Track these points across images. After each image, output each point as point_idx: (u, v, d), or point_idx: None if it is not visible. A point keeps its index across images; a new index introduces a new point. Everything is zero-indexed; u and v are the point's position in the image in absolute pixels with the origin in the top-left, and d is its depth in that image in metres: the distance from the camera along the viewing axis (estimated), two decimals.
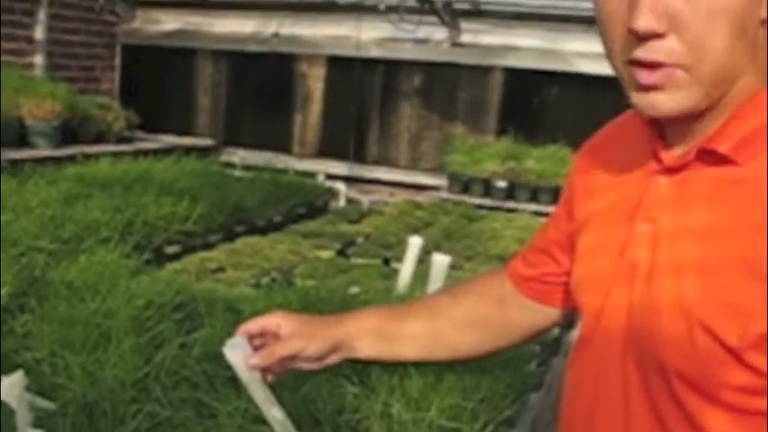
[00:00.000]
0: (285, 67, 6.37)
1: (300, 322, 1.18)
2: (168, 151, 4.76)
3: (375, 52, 6.02)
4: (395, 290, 1.99)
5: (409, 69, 6.05)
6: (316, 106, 6.39)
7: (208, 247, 3.18)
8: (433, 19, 5.64)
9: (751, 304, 0.78)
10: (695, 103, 0.83)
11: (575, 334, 1.15)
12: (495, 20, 5.75)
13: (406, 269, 1.58)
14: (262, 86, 6.53)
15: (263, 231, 3.56)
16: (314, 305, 1.77)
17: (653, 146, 0.93)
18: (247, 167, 4.95)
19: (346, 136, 6.23)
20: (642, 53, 0.82)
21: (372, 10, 5.42)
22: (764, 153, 0.82)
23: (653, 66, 0.82)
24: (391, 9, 5.30)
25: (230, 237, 3.36)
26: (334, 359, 1.19)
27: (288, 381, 1.37)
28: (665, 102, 0.83)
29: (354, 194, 5.06)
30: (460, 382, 1.42)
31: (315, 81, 6.35)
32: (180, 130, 6.42)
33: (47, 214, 2.56)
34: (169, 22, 6.74)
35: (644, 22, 0.79)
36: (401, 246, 2.87)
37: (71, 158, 4.15)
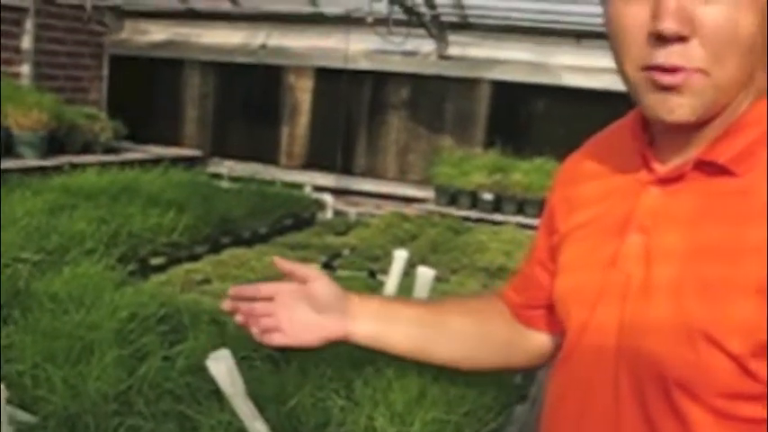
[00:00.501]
0: (273, 79, 6.38)
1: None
2: (155, 162, 4.74)
3: (363, 64, 6.04)
4: None
5: (397, 81, 6.07)
6: (303, 118, 6.39)
7: (194, 258, 3.15)
8: (421, 32, 5.67)
9: (754, 318, 0.79)
10: (707, 110, 0.85)
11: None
12: (483, 33, 5.79)
13: (391, 282, 1.58)
14: (249, 98, 6.53)
15: (249, 243, 3.54)
16: None
17: (643, 157, 0.93)
18: (234, 179, 4.95)
19: (334, 148, 6.24)
20: (662, 57, 0.83)
21: (360, 22, 5.43)
22: (763, 164, 0.83)
23: (673, 70, 0.83)
24: (379, 21, 5.31)
25: (216, 248, 3.34)
26: (334, 327, 1.20)
27: (272, 394, 1.37)
28: (682, 106, 0.84)
29: (341, 206, 5.05)
30: (445, 395, 1.42)
31: (302, 93, 6.36)
32: (167, 140, 6.41)
33: (32, 225, 2.53)
34: (157, 32, 6.74)
35: (669, 25, 0.81)
36: (387, 258, 2.86)
37: (58, 169, 4.14)
